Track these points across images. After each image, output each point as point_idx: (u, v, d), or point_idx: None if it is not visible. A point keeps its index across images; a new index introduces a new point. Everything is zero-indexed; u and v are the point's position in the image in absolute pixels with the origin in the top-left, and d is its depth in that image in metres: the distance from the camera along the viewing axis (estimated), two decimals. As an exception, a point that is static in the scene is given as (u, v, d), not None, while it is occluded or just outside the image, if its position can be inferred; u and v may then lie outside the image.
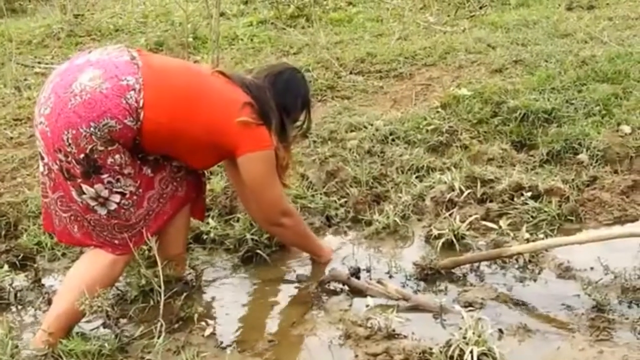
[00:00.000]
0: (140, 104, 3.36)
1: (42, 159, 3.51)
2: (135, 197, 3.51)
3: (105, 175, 3.39)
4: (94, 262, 3.58)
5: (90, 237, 3.58)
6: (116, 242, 3.57)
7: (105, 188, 3.41)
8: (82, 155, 3.32)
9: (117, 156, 3.37)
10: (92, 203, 3.45)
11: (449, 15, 9.57)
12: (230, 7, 10.56)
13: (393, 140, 5.50)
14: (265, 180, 3.74)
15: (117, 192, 3.45)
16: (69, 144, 3.31)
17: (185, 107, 3.48)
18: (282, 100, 3.83)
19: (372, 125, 5.69)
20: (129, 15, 10.36)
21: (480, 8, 9.83)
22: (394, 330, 3.37)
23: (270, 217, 3.92)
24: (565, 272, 3.91)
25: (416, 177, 5.01)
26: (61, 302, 3.52)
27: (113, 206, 3.47)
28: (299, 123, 4.02)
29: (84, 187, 3.40)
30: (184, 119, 3.46)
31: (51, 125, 3.35)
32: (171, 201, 3.70)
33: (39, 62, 8.12)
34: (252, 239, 4.23)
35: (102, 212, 3.48)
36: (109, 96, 3.32)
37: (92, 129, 3.29)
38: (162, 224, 3.71)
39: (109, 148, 3.34)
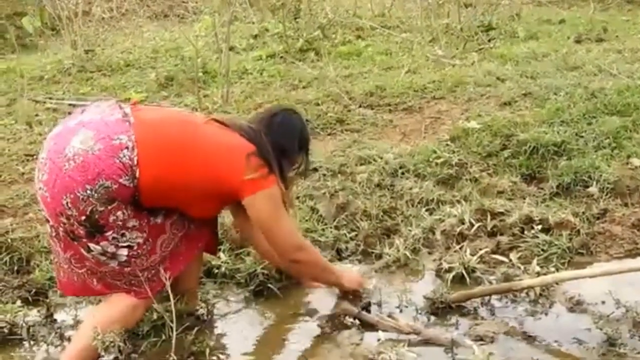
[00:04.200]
0: (135, 162, 3.35)
1: (48, 221, 3.51)
2: (145, 247, 3.51)
3: (109, 233, 3.39)
4: (115, 304, 3.59)
5: (109, 287, 3.59)
6: (135, 288, 3.57)
7: (111, 244, 3.42)
8: (83, 217, 3.33)
9: (118, 213, 3.38)
10: (102, 258, 3.47)
11: (457, 49, 9.60)
12: (239, 42, 10.61)
13: (403, 173, 5.50)
14: (273, 217, 3.67)
15: (123, 247, 3.45)
16: (69, 208, 3.32)
17: (181, 160, 3.46)
18: (279, 143, 3.76)
19: (381, 158, 5.70)
20: (139, 51, 10.44)
21: (489, 41, 9.86)
22: (405, 365, 3.37)
23: (285, 253, 3.82)
24: (576, 306, 3.91)
25: (426, 210, 5.01)
26: (77, 340, 3.55)
27: (123, 258, 3.48)
28: (296, 165, 3.95)
29: (91, 245, 3.42)
30: (182, 171, 3.46)
31: (50, 191, 3.37)
32: (185, 240, 3.69)
33: (51, 98, 8.16)
34: (263, 273, 4.24)
35: (114, 264, 3.49)
36: (101, 157, 3.32)
37: (88, 191, 3.30)
38: (180, 265, 3.69)
39: (109, 207, 3.34)
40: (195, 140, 3.54)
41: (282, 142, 3.78)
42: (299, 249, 3.80)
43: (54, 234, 3.53)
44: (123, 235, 3.43)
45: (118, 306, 3.58)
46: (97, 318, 3.56)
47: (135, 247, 3.48)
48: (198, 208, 3.62)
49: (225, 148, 3.59)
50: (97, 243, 3.41)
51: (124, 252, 3.46)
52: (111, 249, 3.44)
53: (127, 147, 3.35)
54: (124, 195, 3.36)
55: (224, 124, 3.73)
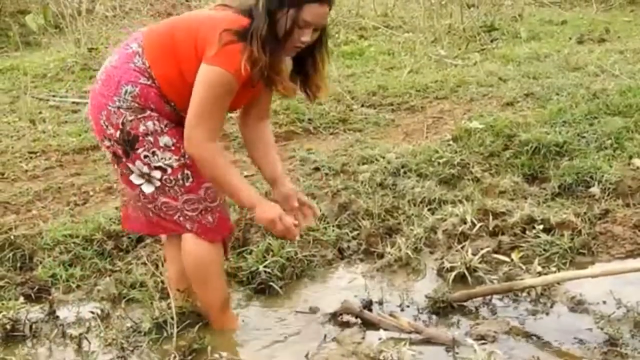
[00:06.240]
0: (147, 64, 3.42)
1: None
2: (180, 175, 3.50)
3: (140, 150, 3.44)
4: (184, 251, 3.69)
5: (163, 222, 3.63)
6: (188, 224, 3.60)
7: (144, 163, 3.46)
8: (118, 133, 3.43)
9: (149, 123, 3.43)
10: (141, 182, 3.51)
11: (460, 49, 9.61)
12: (243, 41, 10.61)
13: (405, 173, 5.51)
14: (200, 96, 3.32)
15: (156, 168, 3.48)
16: (107, 127, 3.43)
17: (174, 50, 3.41)
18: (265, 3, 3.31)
19: (383, 158, 5.71)
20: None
21: (492, 41, 9.88)
22: (406, 363, 3.38)
23: (185, 133, 3.42)
24: (577, 306, 3.91)
25: (428, 210, 5.01)
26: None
27: (157, 183, 3.51)
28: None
29: (130, 166, 3.48)
30: (179, 59, 3.40)
31: (93, 118, 3.52)
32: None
33: (54, 96, 8.17)
34: (265, 271, 4.25)
35: (149, 190, 3.52)
36: (117, 66, 3.45)
37: (117, 102, 3.40)
38: (226, 231, 3.77)
39: (139, 116, 3.41)
40: (184, 26, 3.48)
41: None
42: (190, 141, 3.38)
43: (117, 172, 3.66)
44: (154, 154, 3.45)
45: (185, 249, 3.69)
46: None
47: (168, 171, 3.49)
48: None
49: (209, 23, 3.37)
50: (133, 162, 3.46)
51: (157, 174, 3.49)
52: (145, 169, 3.47)
53: (137, 53, 3.44)
54: (151, 98, 3.42)
55: (230, 6, 3.48)
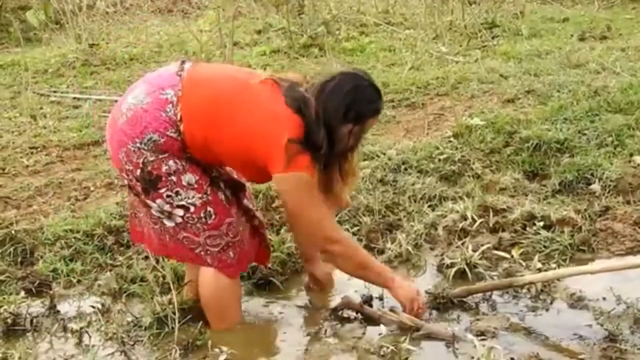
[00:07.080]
0: (179, 117, 3.37)
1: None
2: (203, 213, 3.50)
3: (163, 190, 3.43)
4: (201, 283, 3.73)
5: (181, 247, 3.63)
6: (207, 257, 3.62)
7: (167, 203, 3.46)
8: (138, 171, 3.41)
9: (170, 162, 3.41)
10: (160, 216, 3.51)
11: (461, 45, 9.61)
12: (243, 37, 10.63)
13: (405, 169, 5.51)
14: (300, 204, 3.46)
15: (179, 206, 3.47)
16: (126, 162, 3.41)
17: (216, 119, 3.40)
18: (324, 112, 3.39)
19: (384, 154, 5.71)
20: (143, 45, 10.44)
21: (493, 38, 9.88)
22: (406, 359, 3.39)
23: (313, 243, 3.74)
24: (577, 302, 3.91)
25: (429, 206, 5.01)
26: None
27: (178, 219, 3.50)
28: (342, 139, 3.49)
29: (149, 202, 3.48)
30: (216, 131, 3.39)
31: (111, 149, 3.51)
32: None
33: (55, 91, 8.18)
34: (266, 266, 4.25)
35: (170, 224, 3.52)
36: (148, 110, 3.38)
37: (138, 144, 3.37)
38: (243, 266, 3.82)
39: (160, 156, 3.39)
40: (235, 100, 3.43)
41: (327, 110, 3.40)
42: (329, 241, 3.59)
43: (133, 191, 3.62)
44: (177, 193, 3.45)
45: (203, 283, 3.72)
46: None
47: (191, 210, 3.48)
48: (244, 171, 3.64)
49: (263, 118, 3.39)
50: (154, 200, 3.46)
51: (180, 212, 3.48)
52: (167, 207, 3.47)
53: (171, 103, 3.39)
54: (173, 147, 3.40)
55: (279, 86, 3.50)
